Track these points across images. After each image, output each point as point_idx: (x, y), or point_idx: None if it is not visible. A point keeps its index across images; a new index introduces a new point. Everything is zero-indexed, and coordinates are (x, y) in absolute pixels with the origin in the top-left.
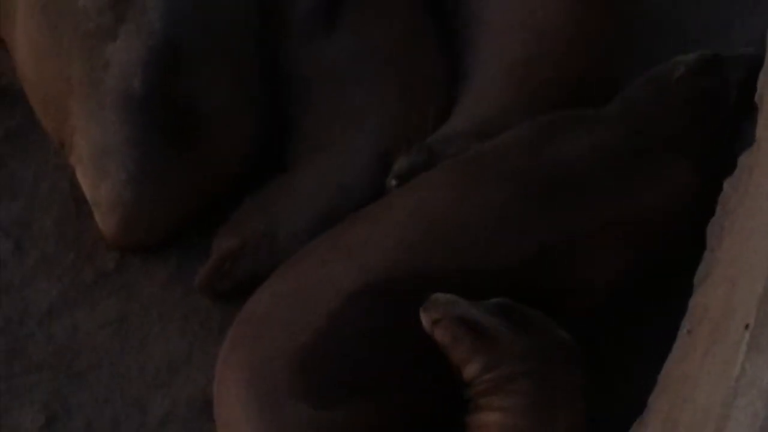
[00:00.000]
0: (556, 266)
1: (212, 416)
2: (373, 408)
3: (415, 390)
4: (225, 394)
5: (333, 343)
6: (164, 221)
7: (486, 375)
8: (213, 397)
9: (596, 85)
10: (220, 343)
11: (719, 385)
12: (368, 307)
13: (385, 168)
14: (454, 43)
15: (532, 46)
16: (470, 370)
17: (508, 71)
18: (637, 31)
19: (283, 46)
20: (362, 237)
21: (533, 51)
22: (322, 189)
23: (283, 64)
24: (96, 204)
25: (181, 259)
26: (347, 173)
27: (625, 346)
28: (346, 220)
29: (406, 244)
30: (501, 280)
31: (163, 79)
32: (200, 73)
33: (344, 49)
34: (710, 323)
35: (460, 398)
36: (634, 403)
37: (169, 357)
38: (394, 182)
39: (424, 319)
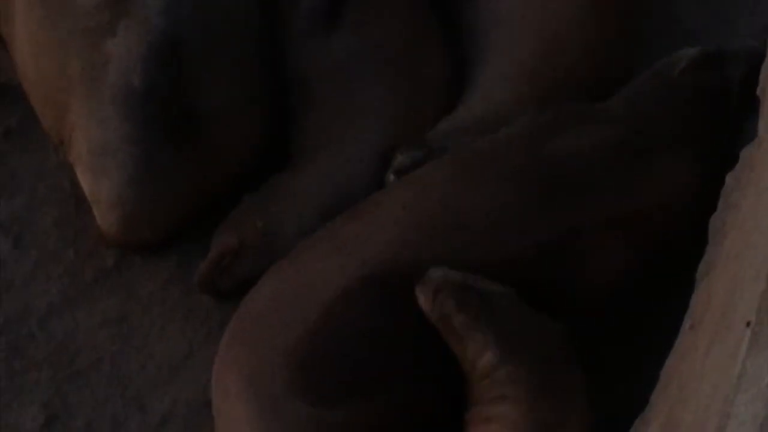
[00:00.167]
0: (556, 264)
1: (212, 415)
2: (372, 405)
3: (414, 386)
4: (223, 393)
5: (330, 340)
6: (164, 219)
7: (488, 357)
8: (212, 400)
9: (604, 84)
10: (220, 341)
11: (721, 382)
12: (364, 302)
13: (386, 167)
14: (458, 42)
15: (541, 45)
16: (474, 353)
17: (515, 69)
18: (641, 28)
19: (283, 44)
20: (358, 232)
21: (542, 50)
22: (322, 188)
23: (283, 63)
24: (95, 202)
25: (181, 258)
26: (347, 172)
27: (625, 345)
28: (343, 216)
29: (402, 239)
30: (499, 276)
31: (162, 76)
32: (201, 71)
33: (345, 48)
34: (712, 319)
35: (461, 395)
36: (634, 402)
37: (169, 356)
38: (392, 177)
39: (422, 296)
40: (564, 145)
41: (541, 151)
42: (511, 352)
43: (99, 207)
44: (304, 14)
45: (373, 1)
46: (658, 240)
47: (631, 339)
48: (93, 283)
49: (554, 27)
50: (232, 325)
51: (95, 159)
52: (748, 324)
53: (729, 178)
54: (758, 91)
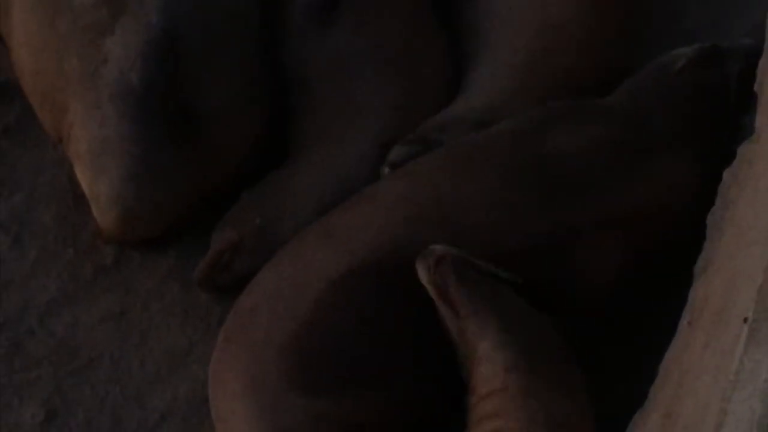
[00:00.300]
0: (550, 260)
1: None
2: (369, 395)
3: (410, 376)
4: (220, 387)
5: (324, 331)
6: (163, 216)
7: (487, 341)
8: (209, 394)
9: (603, 82)
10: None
11: (718, 379)
12: (357, 292)
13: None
14: (457, 40)
15: (540, 44)
16: (473, 333)
17: (513, 66)
18: (640, 27)
19: (282, 42)
20: (351, 222)
21: (541, 48)
22: (321, 183)
23: (282, 60)
24: (94, 199)
25: (180, 255)
26: (346, 169)
27: (625, 345)
28: (337, 208)
29: (394, 229)
30: None
31: (161, 74)
32: (199, 68)
33: (344, 45)
34: (710, 315)
35: (459, 383)
36: (634, 401)
37: (168, 352)
38: (387, 170)
39: (422, 266)
40: (559, 141)
41: (534, 147)
42: (511, 337)
43: (97, 204)
44: (302, 10)
45: None
46: (657, 239)
47: (631, 339)
48: (92, 280)
49: (553, 25)
50: (228, 322)
51: (94, 156)
52: (745, 320)
53: (726, 175)
54: (755, 88)
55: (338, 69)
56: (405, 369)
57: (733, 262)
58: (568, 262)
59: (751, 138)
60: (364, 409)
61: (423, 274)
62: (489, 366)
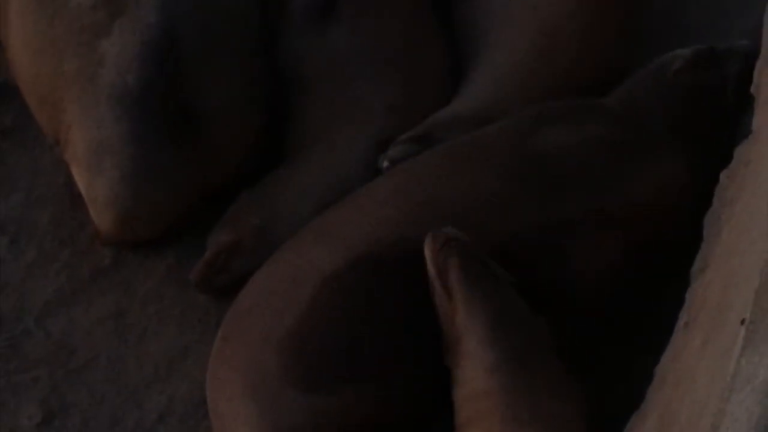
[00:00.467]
0: (548, 258)
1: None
2: (366, 390)
3: (407, 370)
4: (218, 386)
5: (320, 327)
6: (161, 217)
7: (477, 335)
8: (207, 393)
9: (602, 82)
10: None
11: (716, 380)
12: (352, 287)
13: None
14: (456, 39)
15: (542, 41)
16: (464, 321)
17: (512, 65)
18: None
19: (281, 41)
20: (346, 218)
21: (540, 47)
22: (319, 183)
23: (281, 59)
24: (91, 200)
25: (178, 255)
26: (344, 168)
27: (625, 346)
28: (334, 206)
29: (389, 221)
30: None
31: (158, 75)
32: (198, 69)
33: (342, 44)
34: (707, 316)
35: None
36: (634, 401)
37: (166, 353)
38: (386, 163)
39: (430, 243)
40: (557, 140)
41: (532, 145)
42: (497, 335)
43: (95, 205)
44: (300, 8)
45: None
46: (655, 239)
47: (631, 339)
48: (89, 281)
49: (553, 25)
50: (226, 320)
51: (91, 158)
52: (742, 321)
53: (723, 175)
54: (752, 89)
55: (337, 69)
56: (403, 364)
57: (731, 263)
58: (567, 261)
59: (748, 139)
60: (363, 404)
61: (428, 249)
62: (473, 362)
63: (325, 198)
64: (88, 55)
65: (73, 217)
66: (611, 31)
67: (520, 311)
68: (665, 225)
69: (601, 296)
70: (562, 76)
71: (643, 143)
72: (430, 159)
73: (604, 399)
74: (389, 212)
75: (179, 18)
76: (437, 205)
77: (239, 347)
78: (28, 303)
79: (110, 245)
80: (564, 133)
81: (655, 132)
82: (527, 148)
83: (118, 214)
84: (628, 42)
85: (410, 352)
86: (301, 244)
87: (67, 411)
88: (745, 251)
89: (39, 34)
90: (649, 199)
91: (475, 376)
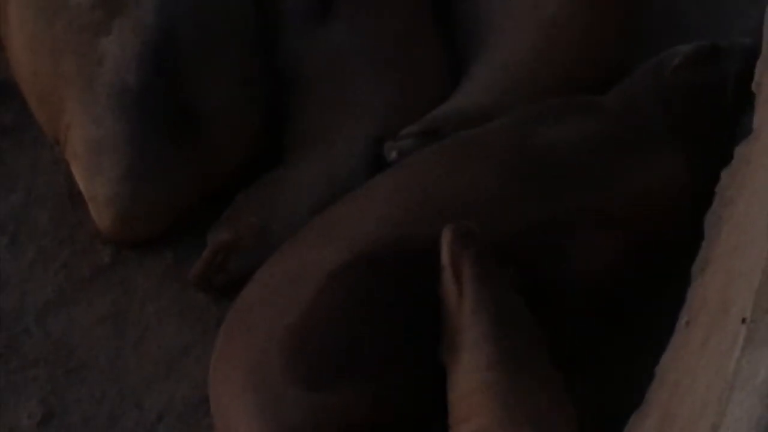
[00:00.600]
0: (547, 257)
1: (209, 411)
2: (368, 388)
3: (409, 368)
4: (221, 383)
5: (321, 324)
6: (160, 216)
7: (482, 327)
8: (209, 390)
9: (602, 80)
10: (216, 337)
11: (716, 379)
12: (354, 285)
13: (380, 162)
14: (456, 37)
15: (542, 39)
16: (469, 314)
17: (515, 62)
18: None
19: (279, 40)
20: (348, 216)
21: (540, 45)
22: (317, 182)
23: (280, 59)
24: (91, 199)
25: (177, 254)
26: (341, 167)
27: (625, 345)
28: (335, 203)
29: (389, 220)
30: None
31: (157, 74)
32: (196, 68)
33: (339, 41)
34: (708, 315)
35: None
36: (634, 401)
37: (165, 352)
38: (394, 155)
39: (449, 232)
40: (556, 137)
41: (531, 143)
42: (501, 332)
43: (95, 204)
44: (298, 7)
45: None
46: (654, 238)
47: (631, 339)
48: (89, 280)
49: (553, 24)
50: (228, 318)
51: (91, 157)
52: (743, 321)
53: (724, 174)
54: (753, 87)
55: (336, 68)
56: (404, 363)
57: (732, 262)
58: (566, 261)
59: (749, 137)
60: (363, 403)
61: (446, 239)
62: (472, 356)
63: (324, 197)
64: (88, 55)
65: (73, 216)
66: (611, 30)
67: (523, 312)
68: (665, 224)
69: (601, 296)
70: (562, 75)
71: (643, 142)
72: (431, 157)
73: (604, 399)
74: (390, 211)
75: (179, 18)
76: (438, 204)
77: (241, 344)
78: (28, 302)
79: (110, 244)
80: (563, 131)
81: (654, 130)
82: (527, 147)
83: (118, 213)
84: (629, 41)
85: (411, 351)
86: (304, 242)
87: (66, 410)
88: (746, 250)
89: (38, 34)
90: (648, 198)
91: (473, 369)
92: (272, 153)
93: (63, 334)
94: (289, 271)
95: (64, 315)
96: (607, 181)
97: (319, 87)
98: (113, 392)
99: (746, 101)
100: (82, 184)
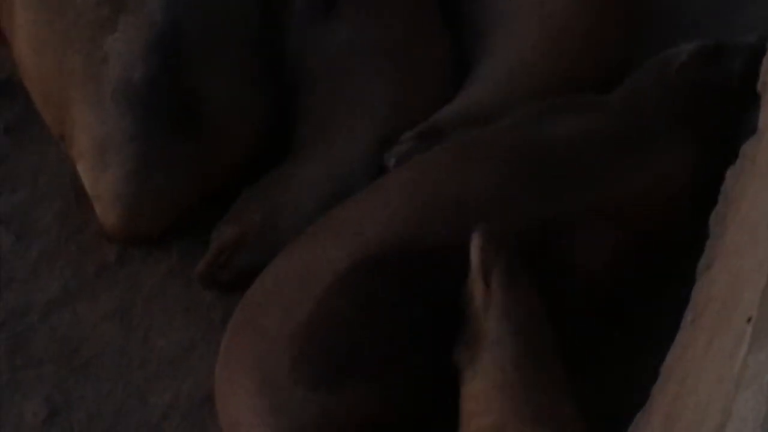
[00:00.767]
0: (548, 250)
1: (214, 409)
2: (374, 388)
3: (418, 367)
4: (227, 380)
5: (330, 324)
6: (165, 214)
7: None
8: (215, 388)
9: (605, 79)
10: (222, 334)
11: (722, 378)
12: (363, 285)
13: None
14: (460, 35)
15: (544, 39)
16: (494, 320)
17: (516, 63)
18: (642, 23)
19: (284, 35)
20: (357, 216)
21: (544, 44)
22: (321, 179)
23: (283, 57)
24: (97, 197)
25: (182, 251)
26: (346, 163)
27: (625, 345)
28: (343, 203)
29: (398, 221)
30: None
31: (163, 71)
32: (202, 65)
33: (342, 41)
34: (713, 314)
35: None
36: (634, 401)
37: (171, 349)
38: (393, 161)
39: (481, 236)
40: (559, 136)
41: (534, 141)
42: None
43: (100, 202)
44: (301, 7)
45: None
46: (657, 236)
47: (631, 339)
48: (94, 277)
49: (558, 24)
50: (236, 315)
51: (96, 154)
52: (749, 320)
53: (729, 173)
54: (758, 86)
55: (338, 67)
56: (410, 362)
57: (737, 260)
58: (566, 260)
59: (754, 136)
60: (370, 402)
61: (476, 243)
62: (495, 353)
63: (326, 195)
64: (93, 52)
65: (78, 213)
66: (616, 30)
67: (544, 317)
68: (665, 224)
69: (601, 296)
70: (566, 74)
71: (645, 141)
72: (437, 159)
73: (604, 399)
74: (399, 212)
75: (184, 15)
76: (442, 207)
77: (250, 341)
78: (33, 299)
79: (116, 242)
80: (564, 131)
81: (657, 129)
82: (528, 147)
83: (123, 210)
84: (631, 39)
85: (416, 352)
86: (313, 241)
87: (72, 407)
88: (751, 249)
89: (44, 31)
90: (651, 197)
91: (494, 367)
92: (277, 151)
93: (68, 331)
94: (296, 271)
95: (69, 312)
96: (607, 181)
97: (323, 86)
98: (118, 389)
99: (751, 100)
100: (87, 182)
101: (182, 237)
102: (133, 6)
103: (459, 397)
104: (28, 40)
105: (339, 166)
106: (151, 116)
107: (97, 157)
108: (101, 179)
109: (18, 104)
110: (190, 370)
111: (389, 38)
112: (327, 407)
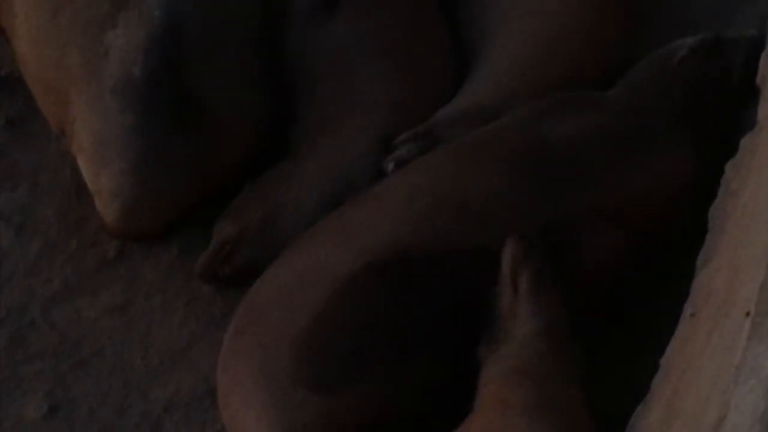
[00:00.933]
0: (554, 247)
1: (215, 403)
2: (377, 391)
3: (417, 370)
4: (230, 382)
5: (334, 327)
6: (166, 209)
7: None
8: (216, 384)
9: (606, 75)
10: (222, 330)
11: (721, 372)
12: (367, 288)
13: (386, 155)
14: (461, 33)
15: (545, 36)
16: (522, 321)
17: (517, 60)
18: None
19: (284, 33)
20: (360, 219)
21: (546, 41)
22: (322, 176)
23: (284, 52)
24: (97, 192)
25: (182, 247)
26: (347, 160)
27: (625, 345)
28: (345, 204)
29: (403, 225)
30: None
31: (163, 67)
32: (202, 64)
33: (345, 36)
34: (713, 308)
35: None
36: (634, 400)
37: (171, 344)
38: (391, 166)
39: (511, 248)
40: (557, 128)
41: (534, 134)
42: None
43: (100, 197)
44: (301, 4)
45: None
46: (657, 232)
47: (631, 339)
48: (95, 273)
49: (558, 22)
50: (238, 315)
51: (96, 150)
52: (747, 314)
53: (729, 167)
54: (758, 80)
55: (339, 64)
56: (417, 365)
57: (736, 254)
58: (566, 260)
59: (753, 130)
60: (373, 404)
61: (508, 250)
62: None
63: (327, 192)
64: (93, 48)
65: (79, 209)
66: (617, 28)
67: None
68: (666, 223)
69: (601, 296)
70: (566, 74)
71: (646, 134)
72: (440, 160)
73: (604, 399)
74: (401, 215)
75: (185, 11)
76: (451, 208)
77: (254, 341)
78: (34, 295)
79: (116, 238)
80: (563, 130)
81: (658, 128)
82: (532, 143)
83: (123, 206)
84: (632, 36)
85: (419, 354)
86: (318, 243)
87: (72, 402)
88: (750, 243)
89: (44, 26)
90: (651, 197)
91: (521, 355)
92: (277, 148)
93: (69, 326)
94: (300, 273)
95: (70, 307)
96: (607, 181)
97: (324, 83)
98: (119, 384)
99: (751, 93)
100: (87, 178)
101: (183, 232)
102: (133, 2)
103: (461, 396)
104: (28, 35)
105: (339, 165)
106: (151, 112)
107: (97, 152)
108: (101, 174)
109: (18, 100)
110: (191, 364)
111: (389, 38)
112: (329, 410)
